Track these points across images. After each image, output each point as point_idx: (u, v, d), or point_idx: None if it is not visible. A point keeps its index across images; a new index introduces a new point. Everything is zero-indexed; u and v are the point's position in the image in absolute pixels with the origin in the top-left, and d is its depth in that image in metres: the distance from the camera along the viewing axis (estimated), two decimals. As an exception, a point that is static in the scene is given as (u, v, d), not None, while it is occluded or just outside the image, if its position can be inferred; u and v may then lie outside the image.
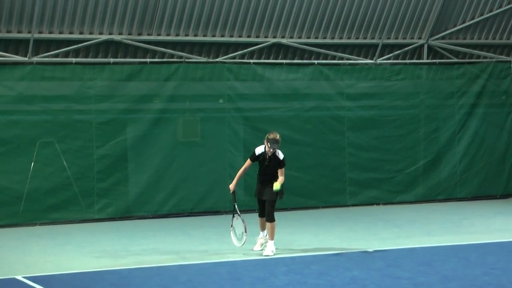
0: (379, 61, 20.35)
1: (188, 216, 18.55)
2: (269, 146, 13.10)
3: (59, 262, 12.80)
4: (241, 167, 13.67)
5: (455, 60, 21.07)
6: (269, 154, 13.19)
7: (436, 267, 11.47)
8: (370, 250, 13.15)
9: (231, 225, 13.68)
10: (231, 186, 13.62)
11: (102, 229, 16.76)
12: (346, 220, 17.52)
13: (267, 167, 13.33)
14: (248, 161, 13.48)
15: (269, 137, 13.14)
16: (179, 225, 17.13)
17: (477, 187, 20.93)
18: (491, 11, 20.74)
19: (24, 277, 11.30)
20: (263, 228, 13.56)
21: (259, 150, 13.35)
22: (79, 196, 17.84)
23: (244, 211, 18.74)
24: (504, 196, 21.08)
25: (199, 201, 18.78)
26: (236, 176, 13.62)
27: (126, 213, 18.23)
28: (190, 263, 12.41)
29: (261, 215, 13.59)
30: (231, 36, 19.22)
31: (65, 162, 17.74)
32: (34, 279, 11.21)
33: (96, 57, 18.52)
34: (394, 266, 11.68)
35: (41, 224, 17.52)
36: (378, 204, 20.10)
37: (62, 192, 17.75)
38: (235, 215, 13.62)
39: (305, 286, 10.39)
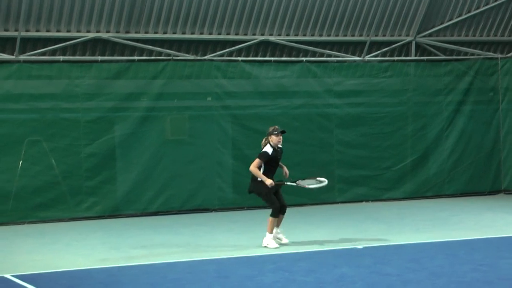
0: (367, 58, 20.37)
1: (177, 214, 18.54)
2: (277, 136, 13.47)
3: (48, 261, 12.77)
4: (254, 167, 13.47)
5: (443, 57, 21.11)
6: (279, 145, 13.56)
7: (424, 264, 11.49)
8: (358, 247, 13.16)
9: (304, 185, 13.91)
10: (270, 182, 13.37)
11: (90, 228, 16.72)
12: (335, 217, 17.54)
13: (277, 161, 13.64)
14: (259, 162, 13.46)
15: (272, 130, 13.53)
16: (167, 223, 17.12)
17: (465, 183, 20.98)
18: (478, 8, 20.78)
19: (13, 276, 11.27)
20: (278, 225, 13.70)
21: (268, 149, 13.50)
22: (67, 194, 17.80)
23: (232, 209, 18.86)
24: (492, 192, 21.14)
25: (187, 199, 18.76)
26: (260, 174, 13.45)
27: (115, 211, 18.19)
28: (179, 260, 12.40)
29: (281, 212, 13.62)
30: (219, 33, 19.21)
31: (53, 161, 17.69)
32: (22, 277, 11.18)
33: (83, 55, 18.48)
34: (382, 263, 11.69)
35: (29, 222, 17.47)
36: (366, 201, 20.12)
37: (50, 190, 17.71)
38: (296, 182, 13.85)
39: (294, 283, 10.39)
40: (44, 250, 13.88)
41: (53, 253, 13.53)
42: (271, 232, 13.37)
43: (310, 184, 14.01)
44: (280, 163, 13.80)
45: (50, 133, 17.77)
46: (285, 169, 13.86)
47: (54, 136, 17.79)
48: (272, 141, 13.53)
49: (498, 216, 17.07)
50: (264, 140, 13.71)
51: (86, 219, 17.87)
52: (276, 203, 13.48)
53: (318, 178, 14.11)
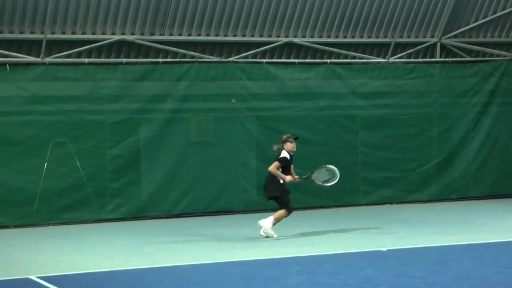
0: (391, 59, 20.32)
1: (201, 216, 18.57)
2: (292, 143, 14.59)
3: (73, 262, 12.83)
4: (274, 168, 14.52)
5: (468, 58, 21.01)
6: (294, 151, 14.63)
7: (450, 266, 11.43)
8: (383, 249, 13.12)
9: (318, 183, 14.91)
10: (289, 179, 14.53)
11: (115, 229, 16.79)
12: (359, 219, 17.49)
13: (290, 166, 14.71)
14: (278, 165, 14.51)
15: (287, 138, 14.64)
16: (192, 225, 17.15)
17: (491, 186, 20.86)
18: (504, 9, 20.66)
19: (38, 277, 11.33)
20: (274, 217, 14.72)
21: (285, 154, 14.56)
22: (92, 196, 17.89)
23: (256, 211, 18.85)
24: (518, 195, 21.03)
25: (212, 201, 18.79)
26: (279, 174, 14.50)
27: (139, 213, 18.27)
28: (203, 262, 12.41)
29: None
30: (243, 35, 19.23)
31: (78, 162, 17.78)
32: (47, 279, 11.23)
33: (108, 57, 18.56)
34: (407, 265, 11.65)
35: (54, 224, 17.58)
36: (391, 203, 20.07)
37: (75, 192, 17.81)
38: (314, 173, 14.86)
39: (318, 285, 10.37)
40: (69, 252, 13.95)
41: (77, 255, 13.59)
42: (275, 221, 14.47)
43: (322, 178, 14.89)
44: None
45: (75, 135, 17.87)
46: (294, 175, 14.78)
47: (80, 138, 17.89)
48: (287, 147, 14.61)
49: (524, 218, 16.97)
50: (276, 147, 14.81)
51: (111, 220, 17.95)
52: (290, 206, 14.60)
53: (327, 167, 14.94)
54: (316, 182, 14.89)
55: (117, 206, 18.11)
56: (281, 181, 14.55)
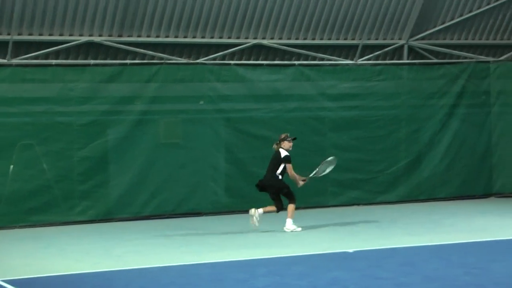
0: (359, 61, 20.40)
1: (170, 217, 18.52)
2: (289, 142, 15.82)
3: (40, 265, 12.74)
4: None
5: (435, 60, 21.15)
6: (290, 150, 15.78)
7: (418, 267, 11.51)
8: (351, 250, 13.17)
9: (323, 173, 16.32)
10: (302, 183, 15.96)
11: (83, 232, 16.70)
12: (328, 220, 17.54)
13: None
14: (291, 167, 15.72)
15: (284, 137, 15.85)
16: (160, 227, 17.10)
17: (458, 187, 21.01)
18: (470, 11, 20.83)
19: (4, 281, 11.23)
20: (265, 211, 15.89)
21: (286, 153, 15.74)
22: (59, 198, 17.77)
23: (225, 213, 18.85)
24: (485, 195, 21.18)
25: (180, 203, 18.75)
26: (296, 177, 15.88)
27: (108, 215, 18.18)
28: (172, 265, 12.39)
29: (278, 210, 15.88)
30: (212, 37, 19.22)
31: (44, 165, 17.66)
32: (14, 282, 11.15)
33: (76, 58, 18.47)
34: (375, 267, 11.70)
35: (21, 227, 17.43)
36: (359, 204, 20.14)
37: (42, 194, 17.68)
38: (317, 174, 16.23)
39: (286, 287, 10.40)
40: (37, 255, 13.85)
41: (45, 258, 13.50)
42: (292, 217, 15.64)
43: (325, 169, 16.27)
44: None
45: (43, 137, 17.75)
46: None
47: (47, 140, 17.77)
48: (285, 146, 15.76)
49: (490, 219, 17.10)
50: (275, 145, 15.86)
51: (79, 223, 17.84)
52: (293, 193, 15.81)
53: (327, 160, 16.33)
54: (320, 174, 16.26)
55: (85, 209, 18.01)
56: (280, 177, 15.67)
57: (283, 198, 15.80)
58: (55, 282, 11.35)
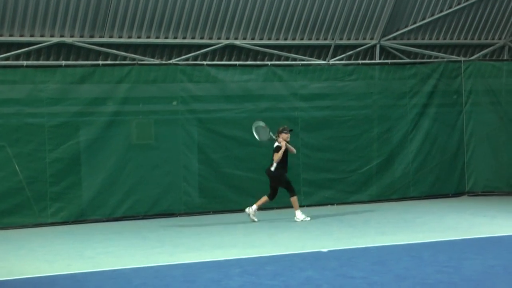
0: (331, 61, 20.46)
1: (143, 219, 18.48)
2: (286, 133, 17.04)
3: (12, 268, 12.66)
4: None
5: (407, 60, 21.26)
6: (288, 140, 17.06)
7: (390, 266, 11.55)
8: (324, 250, 13.20)
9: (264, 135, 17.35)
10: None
11: (55, 233, 16.62)
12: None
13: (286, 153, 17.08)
14: (277, 154, 16.96)
15: (282, 129, 17.06)
16: (133, 228, 17.05)
17: (430, 186, 21.13)
18: (441, 11, 20.97)
19: (-24, 283, 11.17)
20: (259, 204, 17.28)
21: (277, 144, 17.01)
22: (31, 200, 17.67)
23: (198, 213, 18.83)
24: (456, 194, 21.31)
25: (153, 204, 18.71)
26: (280, 154, 17.04)
27: (80, 217, 18.11)
28: (144, 266, 12.36)
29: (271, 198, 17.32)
30: (184, 38, 19.20)
31: (17, 166, 17.56)
32: (-15, 285, 11.08)
33: (47, 59, 18.38)
34: (348, 266, 11.74)
35: (-7, 229, 17.33)
36: (332, 204, 20.19)
37: (14, 196, 17.58)
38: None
39: (260, 287, 10.40)
40: (8, 257, 13.76)
41: (16, 260, 13.41)
42: (297, 208, 17.05)
43: (264, 133, 17.45)
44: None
45: (14, 139, 17.64)
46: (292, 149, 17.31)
47: (18, 141, 17.66)
48: (282, 137, 17.01)
49: (462, 218, 17.20)
50: (276, 136, 17.13)
51: (51, 225, 17.76)
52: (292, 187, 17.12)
53: (257, 126, 17.47)
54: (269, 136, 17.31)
55: (57, 210, 17.93)
56: (277, 166, 16.91)
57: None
58: (26, 284, 11.28)
